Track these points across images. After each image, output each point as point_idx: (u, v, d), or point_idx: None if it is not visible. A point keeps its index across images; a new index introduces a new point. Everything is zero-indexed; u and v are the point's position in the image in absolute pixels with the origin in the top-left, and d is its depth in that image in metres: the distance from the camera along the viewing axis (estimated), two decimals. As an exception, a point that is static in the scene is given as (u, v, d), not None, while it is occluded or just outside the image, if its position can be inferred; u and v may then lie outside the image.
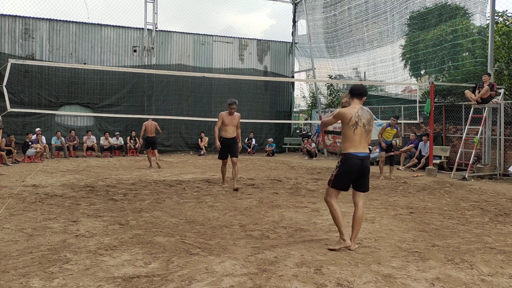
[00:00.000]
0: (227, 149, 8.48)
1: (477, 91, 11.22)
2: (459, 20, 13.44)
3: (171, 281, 3.41)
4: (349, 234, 4.46)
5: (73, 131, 16.09)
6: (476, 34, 12.92)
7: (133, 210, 6.19)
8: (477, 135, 11.48)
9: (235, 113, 8.49)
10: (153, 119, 13.08)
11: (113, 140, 16.40)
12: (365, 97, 4.51)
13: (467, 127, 11.68)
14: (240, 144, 8.66)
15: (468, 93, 11.47)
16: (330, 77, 19.09)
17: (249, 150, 18.70)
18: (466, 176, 10.64)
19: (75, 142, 15.91)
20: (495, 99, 11.06)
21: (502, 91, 11.41)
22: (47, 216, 5.68)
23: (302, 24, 20.87)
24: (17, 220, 5.45)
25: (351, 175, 4.36)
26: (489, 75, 11.20)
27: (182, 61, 18.93)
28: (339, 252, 4.27)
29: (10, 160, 12.92)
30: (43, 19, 16.92)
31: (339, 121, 4.44)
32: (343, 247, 4.31)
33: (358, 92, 4.42)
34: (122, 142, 16.64)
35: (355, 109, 4.34)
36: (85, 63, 17.09)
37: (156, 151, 12.66)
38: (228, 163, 8.72)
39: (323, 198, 4.59)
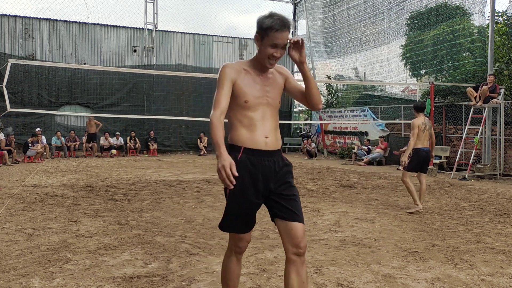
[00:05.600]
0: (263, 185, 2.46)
1: (479, 90, 11.22)
2: (458, 20, 13.45)
3: (171, 281, 3.41)
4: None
5: (72, 132, 16.10)
6: (476, 34, 12.92)
7: (133, 210, 6.19)
8: (477, 135, 11.48)
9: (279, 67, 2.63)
10: (154, 119, 13.16)
11: (113, 140, 16.41)
12: (423, 110, 6.81)
13: (467, 127, 11.68)
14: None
15: (470, 90, 11.43)
16: (328, 77, 19.10)
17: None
18: (466, 176, 10.64)
19: (77, 143, 15.94)
20: (495, 99, 11.07)
21: (502, 91, 11.41)
22: (47, 216, 5.68)
23: (302, 24, 20.90)
24: (17, 220, 5.45)
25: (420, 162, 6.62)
26: (495, 76, 11.21)
27: (182, 61, 18.95)
28: (339, 252, 4.28)
29: (11, 160, 12.92)
30: (43, 19, 16.92)
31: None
32: (416, 210, 6.31)
33: (417, 108, 6.78)
34: (122, 142, 16.64)
35: (421, 119, 6.65)
36: (85, 63, 17.10)
37: (95, 144, 16.00)
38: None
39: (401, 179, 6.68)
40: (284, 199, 2.45)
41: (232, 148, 2.46)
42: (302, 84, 2.60)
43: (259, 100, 2.48)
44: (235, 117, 2.49)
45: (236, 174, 2.25)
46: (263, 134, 2.46)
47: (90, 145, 15.96)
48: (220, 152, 2.27)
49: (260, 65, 2.50)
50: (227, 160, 2.24)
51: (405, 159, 6.42)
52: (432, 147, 6.84)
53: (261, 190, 2.43)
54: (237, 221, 2.51)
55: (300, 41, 2.46)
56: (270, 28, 2.36)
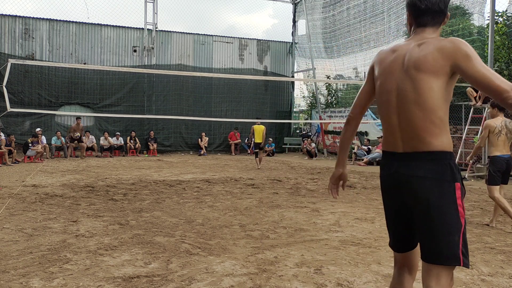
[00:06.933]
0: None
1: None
2: (458, 20, 13.45)
3: (171, 281, 3.41)
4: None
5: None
6: (476, 34, 12.92)
7: (133, 210, 6.19)
8: (477, 135, 11.48)
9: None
10: (154, 119, 13.24)
11: (113, 140, 16.41)
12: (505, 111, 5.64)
13: (467, 127, 11.68)
14: None
15: (470, 90, 11.44)
16: (328, 77, 19.11)
17: (248, 150, 18.70)
18: (466, 176, 10.64)
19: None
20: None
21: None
22: (47, 216, 5.68)
23: (302, 24, 20.92)
24: (17, 220, 5.45)
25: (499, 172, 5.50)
26: None
27: (182, 61, 18.95)
28: (339, 252, 4.28)
29: (11, 160, 12.92)
30: (43, 19, 16.92)
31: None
32: None
33: (498, 105, 5.57)
34: (122, 142, 16.64)
35: (499, 120, 5.53)
36: (85, 63, 17.09)
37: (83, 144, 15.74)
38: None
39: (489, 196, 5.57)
40: None
41: (446, 156, 1.95)
42: None
43: None
44: (447, 115, 1.94)
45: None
46: None
47: (75, 144, 15.57)
48: None
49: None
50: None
51: (468, 161, 5.60)
52: None
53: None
54: None
55: None
56: None
